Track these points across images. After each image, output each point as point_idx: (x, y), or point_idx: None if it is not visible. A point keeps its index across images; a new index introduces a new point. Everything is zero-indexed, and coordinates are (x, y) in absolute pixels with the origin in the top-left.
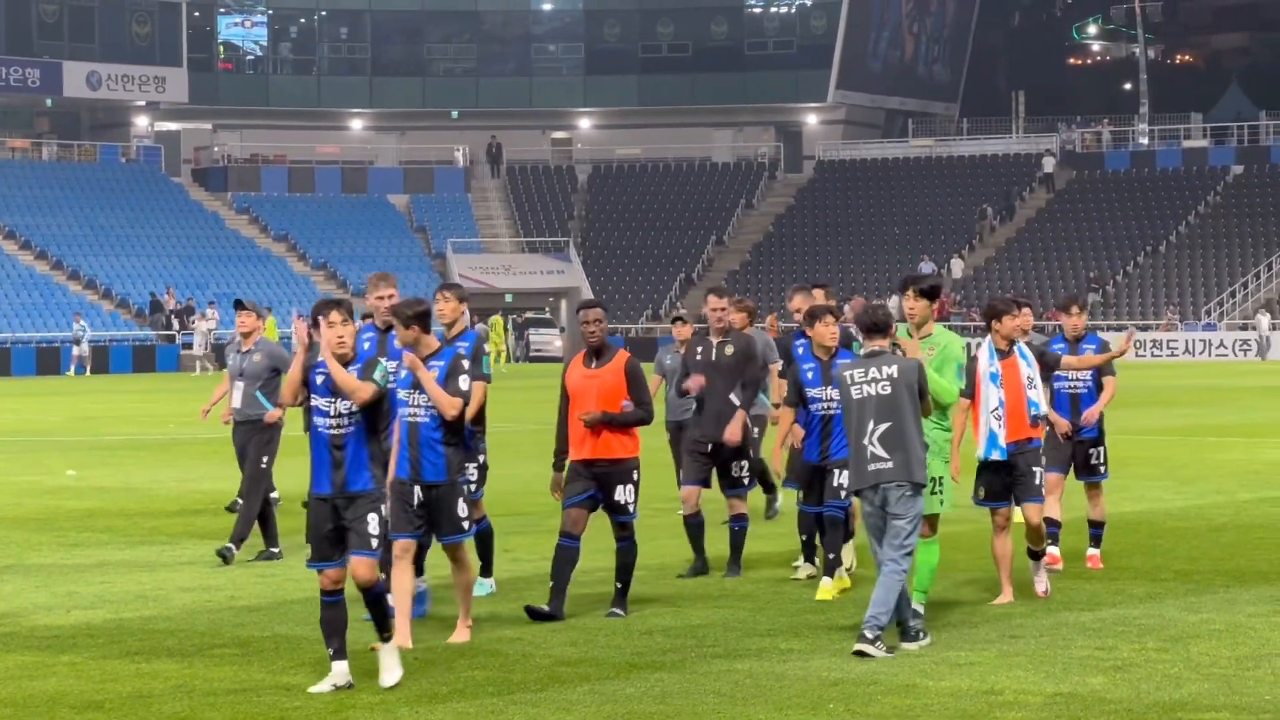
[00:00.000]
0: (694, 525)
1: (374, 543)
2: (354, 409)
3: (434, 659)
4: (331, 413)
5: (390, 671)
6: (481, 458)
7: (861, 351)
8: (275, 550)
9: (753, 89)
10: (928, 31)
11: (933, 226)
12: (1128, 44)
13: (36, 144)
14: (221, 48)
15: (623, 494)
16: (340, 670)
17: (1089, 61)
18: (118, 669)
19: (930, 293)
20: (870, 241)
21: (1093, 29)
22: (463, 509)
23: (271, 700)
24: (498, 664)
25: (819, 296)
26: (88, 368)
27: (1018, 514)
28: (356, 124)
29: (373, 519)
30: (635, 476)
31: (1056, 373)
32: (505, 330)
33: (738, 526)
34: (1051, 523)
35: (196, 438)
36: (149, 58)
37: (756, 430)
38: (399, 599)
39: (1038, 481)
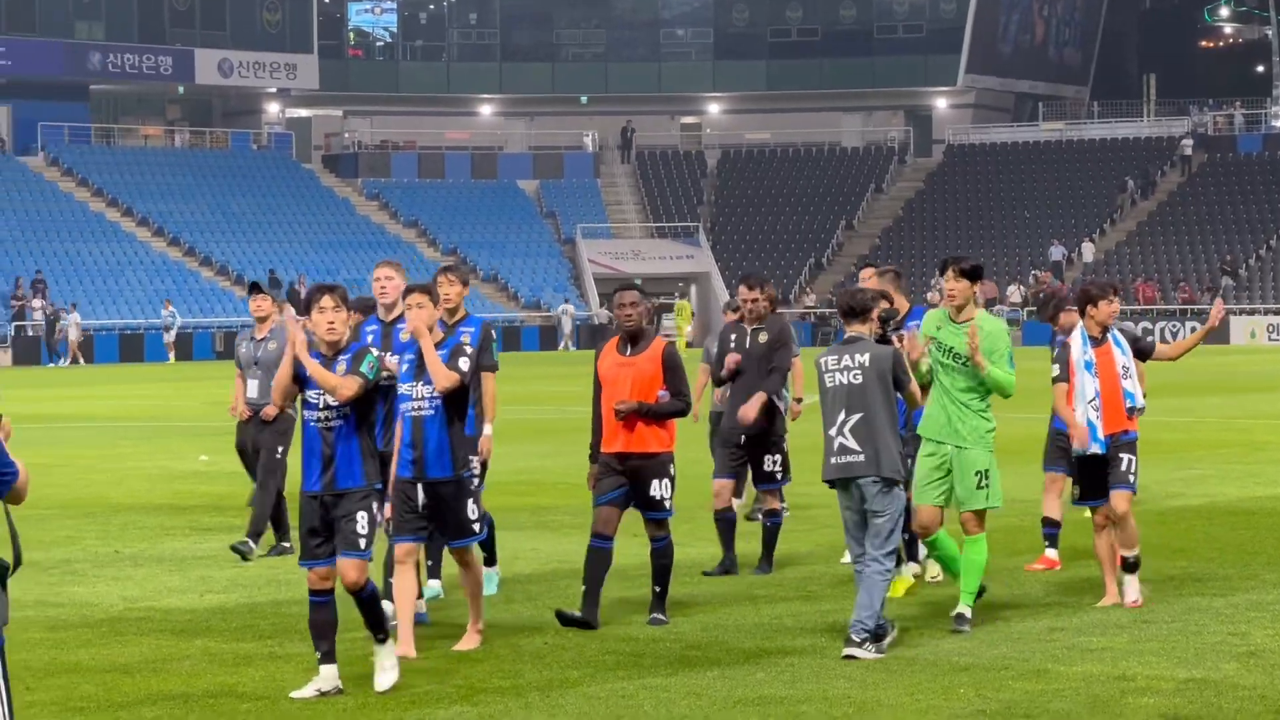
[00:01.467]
0: (724, 521)
1: (362, 543)
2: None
3: (565, 645)
4: (320, 405)
5: (385, 673)
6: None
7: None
8: (287, 545)
9: (882, 73)
10: (1058, 14)
11: (1063, 210)
12: (1259, 25)
13: (169, 131)
14: (352, 34)
15: (658, 489)
16: (328, 674)
17: (1220, 44)
18: (251, 652)
19: (972, 273)
20: (1000, 226)
21: (1224, 11)
22: (472, 510)
23: (408, 681)
24: (628, 649)
25: (870, 279)
26: (172, 355)
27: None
28: (486, 110)
29: (361, 517)
30: (671, 471)
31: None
32: (691, 314)
33: (770, 523)
34: (1050, 523)
35: None
36: (280, 45)
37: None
38: (401, 606)
39: (1124, 468)
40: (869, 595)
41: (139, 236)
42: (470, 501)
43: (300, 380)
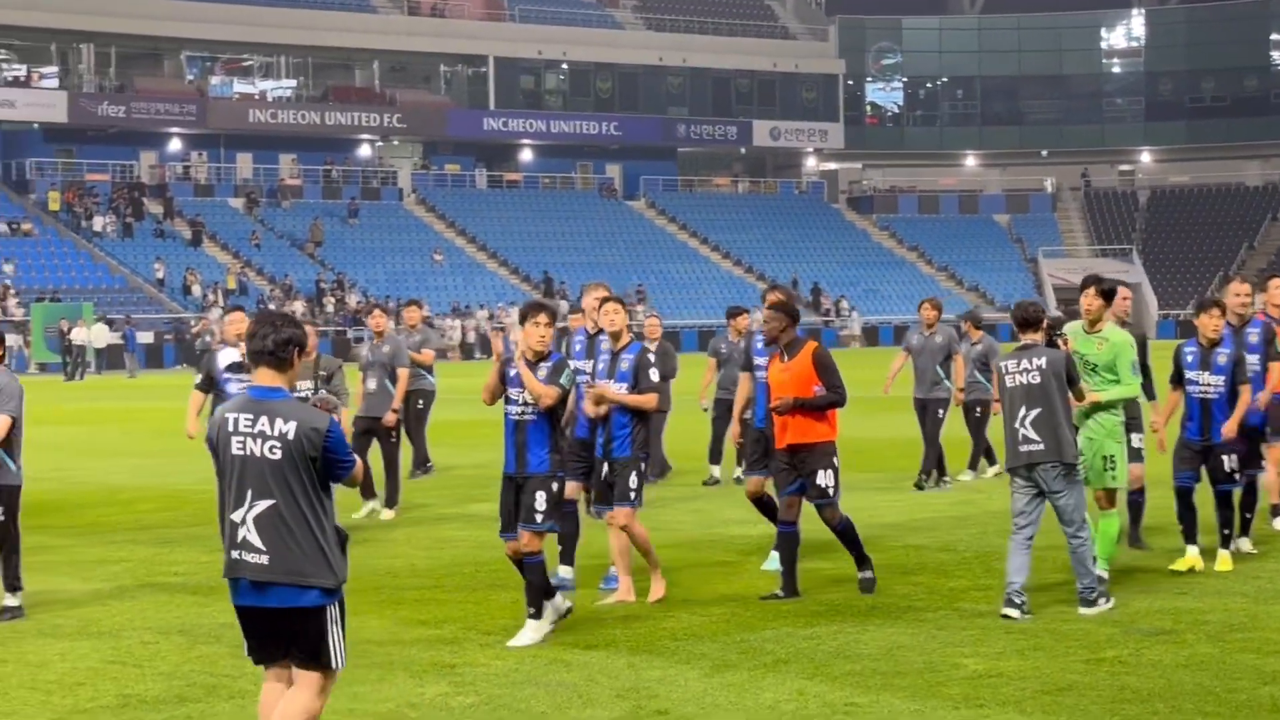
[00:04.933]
0: (1135, 504)
1: (539, 518)
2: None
3: (931, 586)
4: (519, 402)
5: (521, 637)
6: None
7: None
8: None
9: (1277, 127)
10: None
11: None
12: None
13: (734, 181)
14: (869, 107)
15: (823, 478)
16: (553, 604)
17: None
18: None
19: (1108, 294)
20: None
21: None
22: (634, 481)
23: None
24: (996, 584)
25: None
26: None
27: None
28: (970, 161)
29: (540, 496)
30: (835, 461)
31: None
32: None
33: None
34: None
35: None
36: (815, 115)
37: (941, 411)
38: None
39: None
40: (1078, 563)
41: (712, 259)
42: (634, 474)
43: (504, 381)
